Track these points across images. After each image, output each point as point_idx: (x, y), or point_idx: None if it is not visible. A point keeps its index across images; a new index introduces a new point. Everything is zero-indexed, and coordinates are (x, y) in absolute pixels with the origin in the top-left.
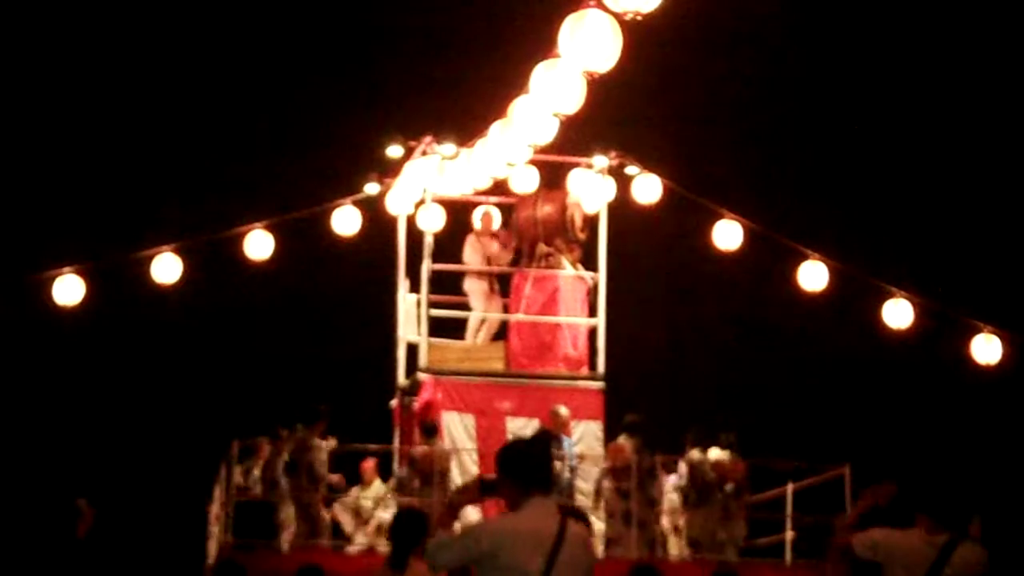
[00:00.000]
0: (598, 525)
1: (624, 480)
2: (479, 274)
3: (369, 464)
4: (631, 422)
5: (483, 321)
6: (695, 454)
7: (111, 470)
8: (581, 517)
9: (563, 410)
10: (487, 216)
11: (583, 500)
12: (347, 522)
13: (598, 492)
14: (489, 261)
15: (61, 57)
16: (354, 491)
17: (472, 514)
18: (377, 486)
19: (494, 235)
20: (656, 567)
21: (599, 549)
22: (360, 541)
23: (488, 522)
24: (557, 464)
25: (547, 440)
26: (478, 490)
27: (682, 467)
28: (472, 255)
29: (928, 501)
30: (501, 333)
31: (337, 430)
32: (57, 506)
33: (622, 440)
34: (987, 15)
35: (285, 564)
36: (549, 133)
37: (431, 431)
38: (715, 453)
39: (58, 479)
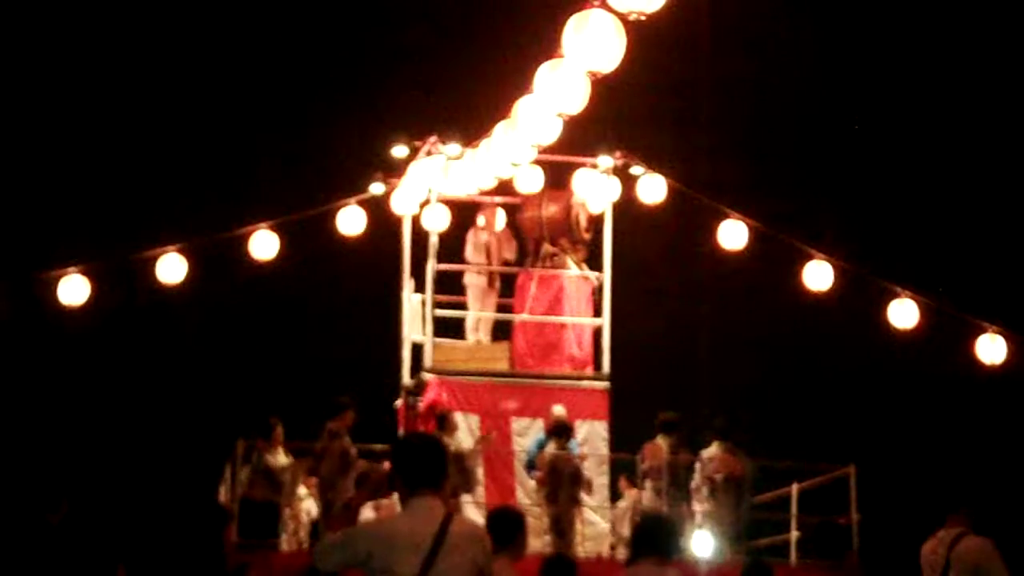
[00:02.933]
0: (603, 525)
1: (660, 479)
2: (479, 269)
3: None
4: (666, 420)
5: (479, 319)
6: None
7: (116, 469)
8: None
9: (558, 409)
10: (491, 211)
11: (587, 500)
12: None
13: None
14: (488, 254)
15: (66, 57)
16: None
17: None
18: None
19: (498, 235)
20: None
21: (605, 549)
22: None
23: (367, 525)
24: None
25: (435, 439)
26: (384, 484)
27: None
28: (474, 251)
29: (953, 501)
30: (506, 333)
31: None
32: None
33: (659, 440)
34: (987, 15)
35: (288, 563)
36: (553, 133)
37: (442, 423)
38: (711, 450)
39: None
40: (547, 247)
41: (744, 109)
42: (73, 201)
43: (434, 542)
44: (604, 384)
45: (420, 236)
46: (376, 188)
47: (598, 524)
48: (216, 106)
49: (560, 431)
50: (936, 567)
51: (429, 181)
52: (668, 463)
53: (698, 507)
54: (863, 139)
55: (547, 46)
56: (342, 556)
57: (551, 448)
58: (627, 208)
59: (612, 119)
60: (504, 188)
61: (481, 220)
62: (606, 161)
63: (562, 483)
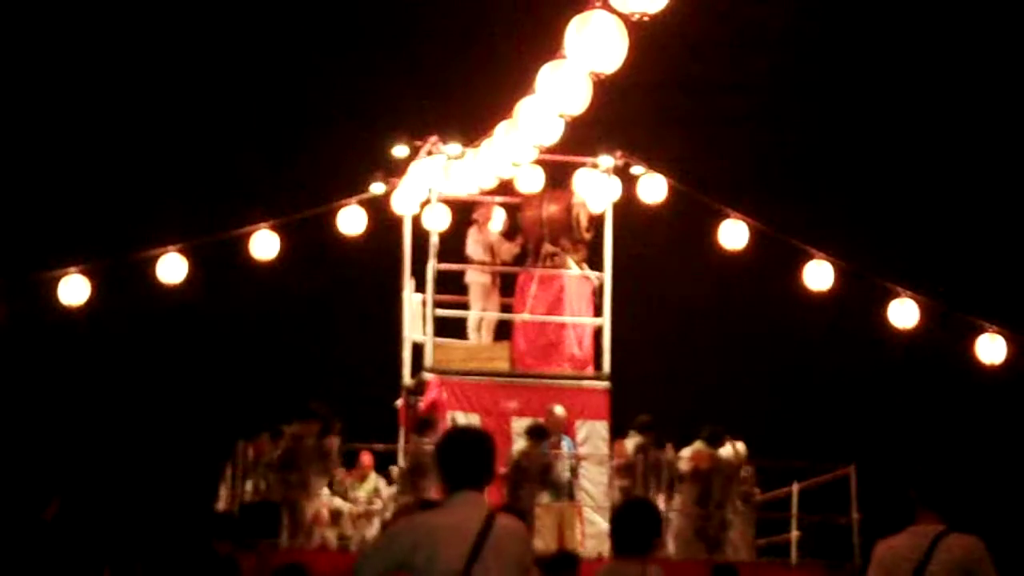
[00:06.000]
0: (603, 525)
1: (628, 478)
2: (481, 267)
3: (367, 458)
4: (641, 422)
5: (482, 318)
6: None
7: (116, 470)
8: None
9: (559, 409)
10: (488, 208)
11: (587, 500)
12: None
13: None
14: (492, 252)
15: (66, 57)
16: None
17: None
18: (373, 480)
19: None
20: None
21: (605, 548)
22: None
23: (408, 520)
24: (558, 464)
25: (483, 434)
26: (418, 511)
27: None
28: (474, 247)
29: (927, 494)
30: (506, 333)
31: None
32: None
33: (628, 439)
34: (987, 15)
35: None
36: (555, 133)
37: (423, 427)
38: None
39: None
40: (548, 247)
41: (745, 108)
42: (73, 201)
43: (478, 537)
44: (604, 384)
45: (421, 236)
46: (377, 188)
47: (599, 524)
48: (216, 106)
49: (534, 432)
50: (905, 566)
51: (430, 181)
52: (628, 463)
53: (668, 503)
54: (865, 138)
55: (549, 46)
56: (385, 556)
57: (522, 447)
58: (627, 208)
59: (613, 119)
60: (505, 188)
61: (479, 219)
62: (607, 161)
63: (528, 481)
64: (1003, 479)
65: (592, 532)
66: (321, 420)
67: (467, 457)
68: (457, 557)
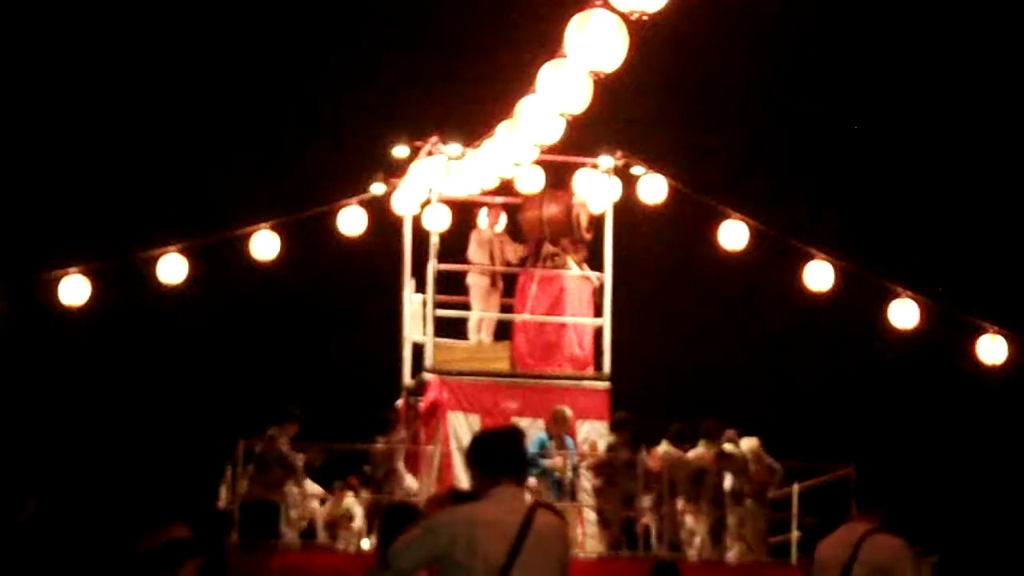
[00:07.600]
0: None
1: (600, 476)
2: (482, 269)
3: None
4: (616, 420)
5: (483, 319)
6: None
7: (116, 471)
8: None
9: (567, 411)
10: (494, 212)
11: (587, 500)
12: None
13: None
14: (492, 257)
15: (66, 57)
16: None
17: None
18: None
19: (500, 236)
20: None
21: (604, 548)
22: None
23: (446, 513)
24: (558, 464)
25: (518, 430)
26: (450, 500)
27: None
28: (477, 252)
29: (862, 495)
30: (506, 333)
31: (342, 431)
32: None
33: (604, 438)
34: (987, 15)
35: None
36: (555, 133)
37: (384, 426)
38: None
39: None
40: (548, 247)
41: (745, 109)
42: (73, 201)
43: (520, 532)
44: (605, 384)
45: (421, 236)
46: (377, 188)
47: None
48: (217, 106)
49: None
50: (834, 563)
51: (430, 181)
52: (599, 462)
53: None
54: (865, 139)
55: (549, 46)
56: (422, 550)
57: None
58: (628, 208)
59: (613, 119)
60: (505, 188)
61: (483, 221)
62: (607, 161)
63: None
64: (1003, 479)
65: (592, 532)
66: (298, 422)
67: (504, 450)
68: (498, 552)
